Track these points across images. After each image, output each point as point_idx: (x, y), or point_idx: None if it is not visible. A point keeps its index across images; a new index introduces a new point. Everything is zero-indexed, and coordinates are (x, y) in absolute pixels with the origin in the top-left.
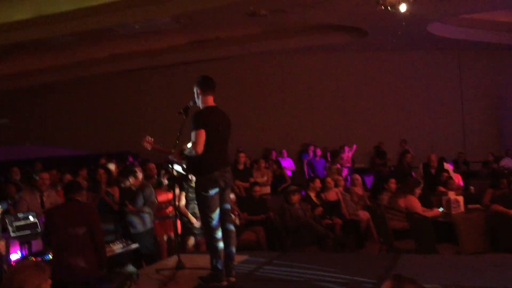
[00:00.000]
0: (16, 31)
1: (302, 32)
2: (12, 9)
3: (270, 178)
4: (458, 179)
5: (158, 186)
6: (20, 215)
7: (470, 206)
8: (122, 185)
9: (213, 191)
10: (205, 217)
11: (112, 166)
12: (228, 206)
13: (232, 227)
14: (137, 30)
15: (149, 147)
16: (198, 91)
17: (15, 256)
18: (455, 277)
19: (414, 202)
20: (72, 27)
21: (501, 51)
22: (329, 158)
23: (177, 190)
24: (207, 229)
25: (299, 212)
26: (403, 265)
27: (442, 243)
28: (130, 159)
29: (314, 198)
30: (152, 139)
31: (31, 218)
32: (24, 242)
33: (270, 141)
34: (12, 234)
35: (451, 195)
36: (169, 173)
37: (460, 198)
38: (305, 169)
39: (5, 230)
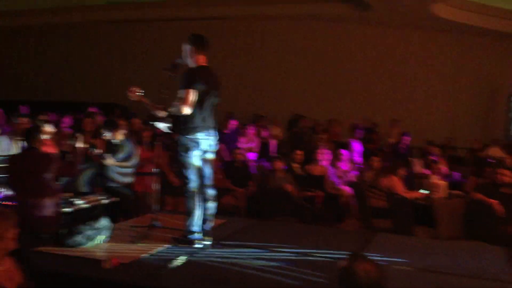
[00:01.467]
0: None
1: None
2: None
3: (258, 145)
4: (443, 164)
5: (141, 142)
6: None
7: (452, 191)
8: (104, 137)
9: (195, 153)
10: (184, 178)
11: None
12: (209, 169)
13: (211, 191)
14: None
15: (136, 98)
16: (191, 50)
17: None
18: (428, 260)
19: (396, 183)
20: None
21: (500, 39)
22: (318, 131)
23: (159, 148)
24: (186, 190)
25: (281, 181)
26: (378, 243)
27: (419, 226)
28: (117, 112)
29: (295, 169)
30: (142, 91)
31: None
32: None
33: (261, 107)
34: None
35: (434, 179)
36: (153, 130)
37: (443, 183)
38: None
39: None
